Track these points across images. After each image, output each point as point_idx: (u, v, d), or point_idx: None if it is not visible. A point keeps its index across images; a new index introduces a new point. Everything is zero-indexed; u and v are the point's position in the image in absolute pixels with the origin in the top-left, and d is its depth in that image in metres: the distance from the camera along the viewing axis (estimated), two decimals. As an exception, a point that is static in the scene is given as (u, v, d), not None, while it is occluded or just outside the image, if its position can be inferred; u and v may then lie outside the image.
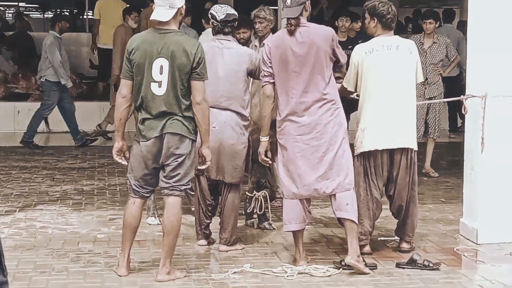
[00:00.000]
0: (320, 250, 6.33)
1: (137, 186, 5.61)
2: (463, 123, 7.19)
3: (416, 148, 6.15)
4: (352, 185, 5.84)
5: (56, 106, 11.44)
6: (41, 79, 11.37)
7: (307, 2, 5.78)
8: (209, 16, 6.33)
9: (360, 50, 6.11)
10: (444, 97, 9.39)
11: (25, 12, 21.13)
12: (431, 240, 6.68)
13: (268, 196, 6.88)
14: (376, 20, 6.10)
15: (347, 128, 5.94)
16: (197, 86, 5.45)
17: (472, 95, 6.56)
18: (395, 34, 6.21)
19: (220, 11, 6.26)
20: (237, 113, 6.21)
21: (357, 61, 6.06)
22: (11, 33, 15.57)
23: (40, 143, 11.48)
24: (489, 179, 6.52)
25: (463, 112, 6.70)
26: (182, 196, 5.59)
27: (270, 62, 5.83)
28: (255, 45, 7.42)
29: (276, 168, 6.41)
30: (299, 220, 5.86)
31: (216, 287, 5.46)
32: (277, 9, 11.02)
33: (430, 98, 9.22)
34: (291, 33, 5.76)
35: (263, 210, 6.87)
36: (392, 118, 6.00)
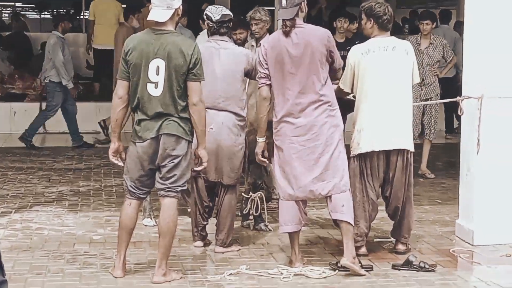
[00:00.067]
0: (316, 252, 6.33)
1: (133, 187, 5.60)
2: (459, 124, 7.18)
3: (412, 149, 6.16)
4: (348, 186, 5.83)
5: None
6: (45, 80, 11.35)
7: (302, 3, 5.78)
8: (204, 17, 6.32)
9: (356, 51, 6.11)
10: (441, 98, 9.39)
11: (21, 12, 21.08)
12: (427, 241, 6.69)
13: (264, 197, 6.87)
14: (372, 21, 6.10)
15: (344, 129, 5.94)
16: (194, 87, 5.44)
17: (468, 96, 6.56)
18: (391, 35, 6.21)
19: (215, 12, 6.25)
20: (235, 113, 6.20)
21: (353, 62, 6.06)
22: (7, 33, 15.55)
23: (36, 144, 11.47)
24: (485, 181, 6.52)
25: (459, 113, 6.71)
26: (178, 197, 5.59)
27: (266, 64, 5.83)
28: (252, 45, 7.41)
29: (273, 169, 6.41)
30: (295, 222, 5.86)
31: (212, 289, 5.47)
32: (273, 9, 11.04)
33: (427, 99, 9.22)
34: (287, 34, 5.75)
35: (259, 211, 6.87)
36: (388, 119, 6.00)
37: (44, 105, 11.64)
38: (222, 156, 6.17)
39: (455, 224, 6.86)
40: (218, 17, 6.23)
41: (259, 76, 5.91)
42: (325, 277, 5.68)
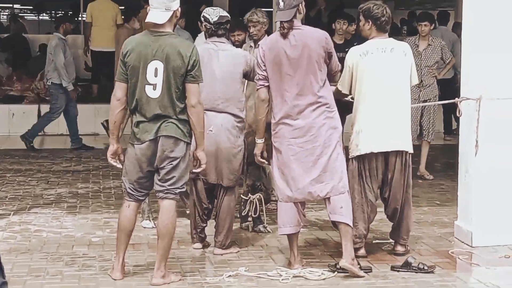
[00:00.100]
0: (315, 253, 6.33)
1: (132, 189, 5.60)
2: (458, 125, 7.18)
3: (411, 150, 6.16)
4: (347, 188, 5.83)
5: None
6: (48, 82, 11.34)
7: (300, 4, 5.77)
8: (202, 18, 6.32)
9: (354, 52, 6.11)
10: (439, 99, 9.39)
11: (20, 14, 21.08)
12: (426, 243, 6.68)
13: (263, 199, 6.87)
14: (370, 22, 6.11)
15: (342, 131, 5.94)
16: (192, 88, 5.44)
17: (467, 97, 6.56)
18: (390, 36, 6.21)
19: (212, 14, 6.25)
20: (234, 115, 6.20)
21: (351, 63, 6.06)
22: (5, 35, 15.55)
23: (34, 146, 11.45)
24: (483, 182, 6.52)
25: (457, 114, 6.71)
26: (177, 199, 5.59)
27: (264, 65, 5.83)
28: (251, 46, 7.40)
29: (271, 171, 6.41)
30: (293, 223, 5.86)
31: (210, 291, 5.47)
32: (271, 11, 11.02)
33: (425, 101, 9.22)
34: (285, 36, 5.75)
35: (258, 213, 6.87)
36: (387, 121, 6.00)
37: (42, 106, 11.63)
38: (222, 158, 6.17)
39: (454, 226, 6.86)
40: (215, 19, 6.23)
41: (257, 78, 5.91)
42: (324, 279, 5.68)
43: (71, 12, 18.07)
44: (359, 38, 7.12)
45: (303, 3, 5.83)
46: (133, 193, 5.60)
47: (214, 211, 6.44)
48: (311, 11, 13.74)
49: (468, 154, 6.59)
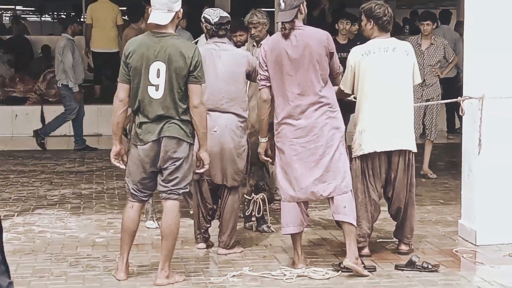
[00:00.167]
0: (319, 253, 6.33)
1: (135, 190, 5.61)
2: (461, 124, 7.18)
3: (414, 150, 6.15)
4: (350, 188, 5.83)
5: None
6: (58, 84, 11.35)
7: (301, 5, 5.77)
8: (202, 19, 6.32)
9: (356, 52, 6.11)
10: (442, 98, 9.39)
11: (22, 16, 21.11)
12: (429, 241, 6.68)
13: (266, 199, 6.88)
14: (372, 22, 6.11)
15: (346, 130, 5.95)
16: (194, 89, 5.44)
17: (470, 96, 6.56)
18: (392, 35, 6.21)
19: (213, 14, 6.25)
20: (237, 115, 6.20)
21: (353, 63, 6.06)
22: (8, 36, 15.55)
23: (45, 144, 11.42)
24: (487, 181, 6.52)
25: (460, 113, 6.70)
26: (180, 199, 5.59)
27: (266, 66, 5.83)
28: (253, 45, 7.39)
29: (275, 171, 6.41)
30: (297, 223, 5.86)
31: (215, 291, 5.47)
32: (273, 11, 11.03)
33: (428, 100, 9.22)
34: (286, 36, 5.76)
35: (261, 213, 6.87)
36: (389, 120, 6.00)
37: (45, 107, 11.62)
38: (226, 159, 6.17)
39: (458, 224, 6.86)
40: (216, 20, 6.23)
41: (259, 78, 5.92)
42: (328, 278, 5.68)
43: (73, 14, 18.09)
44: (361, 38, 7.11)
45: (305, 3, 5.83)
46: (136, 193, 5.61)
47: (218, 211, 6.45)
48: (314, 10, 13.74)
49: (471, 153, 6.59)
